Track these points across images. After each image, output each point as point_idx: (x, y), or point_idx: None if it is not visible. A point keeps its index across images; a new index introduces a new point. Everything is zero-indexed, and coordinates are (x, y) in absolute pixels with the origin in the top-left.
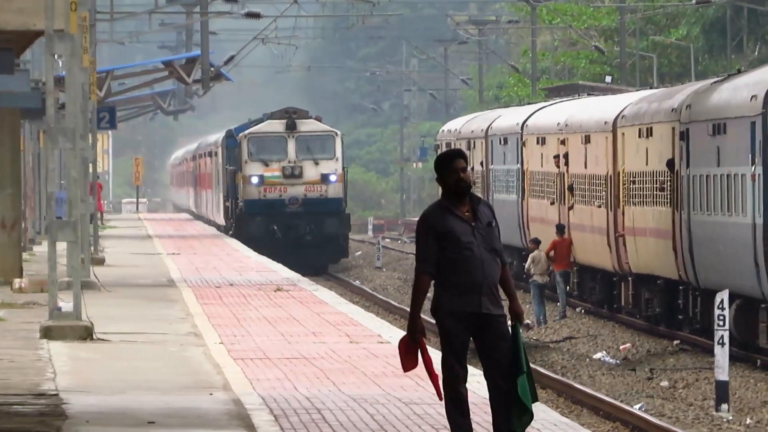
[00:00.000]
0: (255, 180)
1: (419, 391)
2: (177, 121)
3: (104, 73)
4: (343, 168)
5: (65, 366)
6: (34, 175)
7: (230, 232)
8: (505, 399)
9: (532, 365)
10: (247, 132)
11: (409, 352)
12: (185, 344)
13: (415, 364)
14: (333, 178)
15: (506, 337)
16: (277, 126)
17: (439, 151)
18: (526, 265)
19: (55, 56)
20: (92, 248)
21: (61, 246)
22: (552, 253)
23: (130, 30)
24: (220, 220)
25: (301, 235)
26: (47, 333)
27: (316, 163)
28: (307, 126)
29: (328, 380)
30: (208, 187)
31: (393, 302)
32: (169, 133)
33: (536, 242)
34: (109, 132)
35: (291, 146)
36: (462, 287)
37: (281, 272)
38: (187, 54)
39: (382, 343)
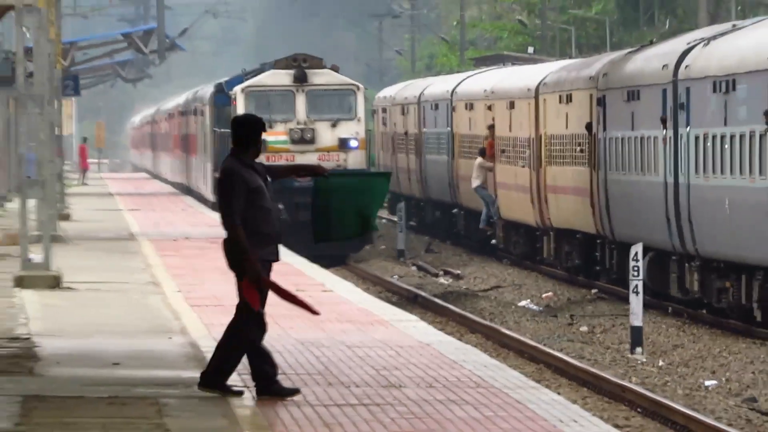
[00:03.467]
0: None
1: (360, 336)
2: (135, 89)
3: (68, 45)
4: (366, 131)
5: (36, 312)
6: (6, 138)
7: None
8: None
9: (462, 311)
10: (245, 85)
11: (254, 292)
12: (146, 292)
13: (260, 300)
14: (354, 143)
15: None
16: (283, 77)
17: (375, 116)
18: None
19: (24, 29)
20: (58, 205)
21: (31, 203)
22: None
23: (92, 3)
24: (208, 195)
25: None
26: (19, 282)
27: (333, 125)
28: (320, 77)
29: (277, 325)
30: (190, 152)
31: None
32: (128, 99)
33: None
34: (73, 98)
35: (300, 103)
36: (269, 238)
37: (206, 194)
38: (144, 27)
39: (325, 291)
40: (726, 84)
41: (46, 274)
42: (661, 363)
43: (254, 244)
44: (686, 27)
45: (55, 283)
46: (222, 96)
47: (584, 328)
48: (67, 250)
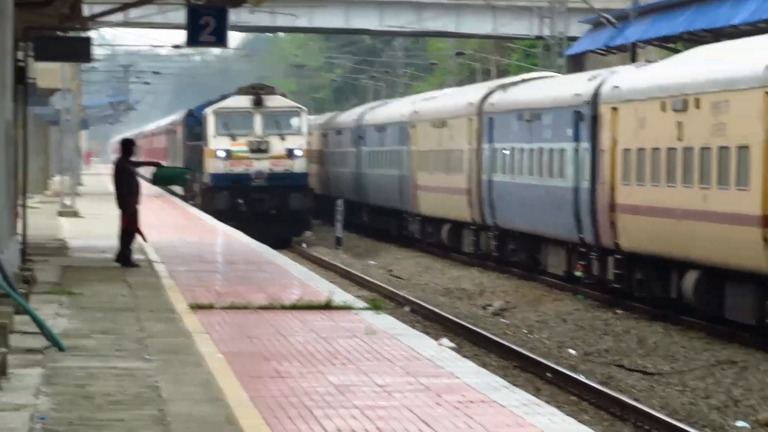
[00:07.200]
0: (222, 154)
1: (214, 239)
2: (113, 126)
3: (84, 107)
4: (308, 144)
5: (68, 227)
6: (57, 149)
7: (191, 203)
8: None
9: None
10: (215, 107)
11: (125, 222)
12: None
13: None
14: (298, 153)
15: None
16: (244, 101)
17: None
18: None
19: (65, 99)
20: (78, 178)
21: (66, 178)
22: None
23: (95, 88)
24: (179, 191)
25: (266, 209)
26: (60, 214)
27: (282, 138)
28: (273, 102)
29: (178, 237)
30: (162, 158)
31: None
32: (110, 131)
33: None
34: (85, 131)
35: (257, 121)
36: (136, 198)
37: (178, 191)
38: (118, 98)
39: (220, 235)
40: (382, 128)
41: (72, 210)
42: (350, 253)
43: (130, 199)
44: (362, 102)
45: (76, 214)
46: (192, 119)
47: (313, 237)
48: (82, 200)
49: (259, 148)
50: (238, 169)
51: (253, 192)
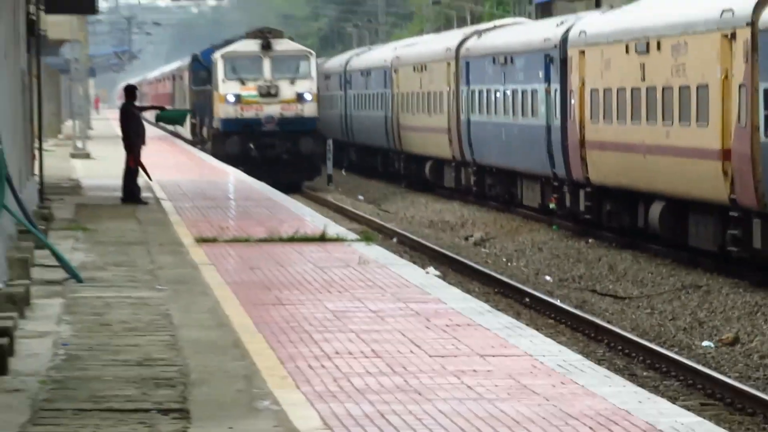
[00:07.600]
0: (232, 99)
1: (216, 179)
2: (118, 74)
3: (91, 56)
4: (318, 87)
5: (80, 168)
6: (67, 96)
7: (198, 147)
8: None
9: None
10: (223, 51)
11: (132, 160)
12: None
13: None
14: (308, 96)
15: None
16: (253, 46)
17: None
18: None
19: (74, 49)
20: (89, 123)
21: (77, 123)
22: None
23: (101, 39)
24: (187, 135)
25: (277, 154)
26: (73, 156)
27: (292, 83)
28: (282, 45)
29: (180, 174)
30: (168, 103)
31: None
32: (116, 78)
33: None
34: (92, 79)
35: (267, 65)
36: (141, 139)
37: (185, 134)
38: (123, 48)
39: (221, 174)
40: (367, 72)
41: (84, 152)
42: (340, 189)
43: (137, 141)
44: (347, 49)
45: (87, 156)
46: (197, 64)
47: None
48: (92, 142)
49: (268, 93)
50: (249, 113)
51: (264, 137)
